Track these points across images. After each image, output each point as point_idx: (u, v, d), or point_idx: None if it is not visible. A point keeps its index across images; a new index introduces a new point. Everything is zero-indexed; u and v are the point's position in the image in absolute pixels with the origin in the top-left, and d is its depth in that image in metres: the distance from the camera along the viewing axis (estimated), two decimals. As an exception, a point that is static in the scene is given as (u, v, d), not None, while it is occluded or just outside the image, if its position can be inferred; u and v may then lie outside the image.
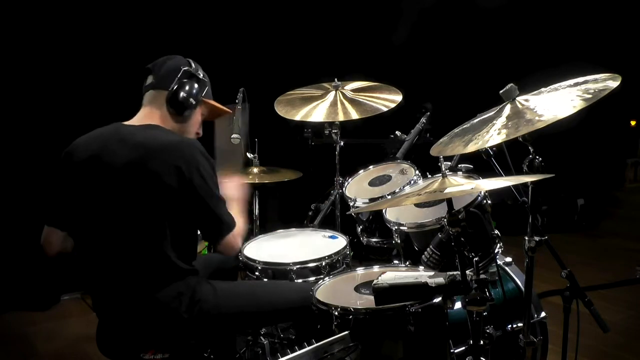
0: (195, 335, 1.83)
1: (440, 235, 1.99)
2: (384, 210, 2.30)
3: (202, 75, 1.99)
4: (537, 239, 1.83)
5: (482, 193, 2.07)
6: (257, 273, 2.21)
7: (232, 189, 2.10)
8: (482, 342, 1.70)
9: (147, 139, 1.80)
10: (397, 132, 3.08)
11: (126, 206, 1.77)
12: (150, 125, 1.88)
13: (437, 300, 1.69)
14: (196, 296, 1.82)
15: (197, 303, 1.82)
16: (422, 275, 1.70)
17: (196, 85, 1.94)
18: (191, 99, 1.92)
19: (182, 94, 1.90)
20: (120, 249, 1.79)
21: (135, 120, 1.91)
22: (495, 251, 2.08)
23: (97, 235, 1.82)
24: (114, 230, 1.79)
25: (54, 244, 1.94)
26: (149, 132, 1.84)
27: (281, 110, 2.68)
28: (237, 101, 2.67)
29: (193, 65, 1.97)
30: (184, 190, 1.76)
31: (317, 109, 2.66)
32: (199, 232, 1.94)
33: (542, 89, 1.75)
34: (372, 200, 2.39)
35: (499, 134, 1.60)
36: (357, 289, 1.90)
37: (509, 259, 2.29)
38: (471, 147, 1.65)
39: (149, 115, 1.91)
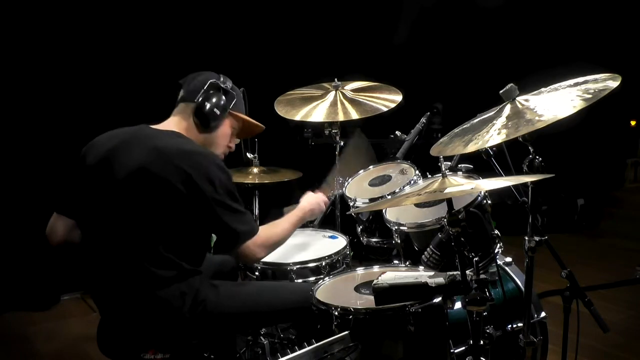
0: (198, 335, 1.84)
1: (440, 235, 1.99)
2: (384, 210, 2.30)
3: (230, 87, 1.99)
4: (537, 239, 1.83)
5: (482, 193, 2.07)
6: (257, 273, 2.21)
7: (309, 200, 2.24)
8: (482, 342, 1.70)
9: (165, 145, 1.81)
10: (397, 132, 3.08)
11: (134, 206, 1.77)
12: (173, 132, 1.89)
13: (437, 300, 1.69)
14: (199, 296, 1.82)
15: (200, 303, 1.82)
16: (422, 275, 1.71)
17: (223, 97, 1.95)
18: (215, 110, 1.93)
19: (207, 105, 1.91)
20: (125, 248, 1.79)
21: (161, 126, 1.93)
22: (495, 251, 2.08)
23: (103, 234, 1.82)
24: (120, 229, 1.79)
25: (59, 233, 1.94)
26: (169, 138, 1.85)
27: (281, 110, 2.68)
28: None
29: (222, 78, 1.99)
30: (192, 197, 1.76)
31: (317, 109, 2.66)
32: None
33: (542, 89, 1.75)
34: (372, 200, 2.39)
35: (499, 134, 1.60)
36: (357, 289, 1.90)
37: (509, 259, 2.29)
38: (471, 147, 1.65)
39: (175, 124, 1.93)
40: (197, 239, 1.88)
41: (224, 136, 2.01)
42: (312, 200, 2.25)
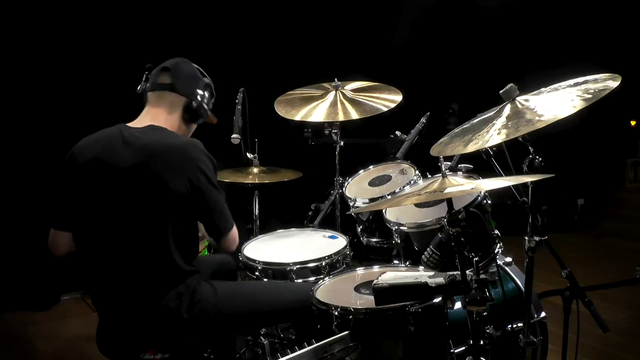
0: (195, 335, 1.83)
1: (440, 235, 1.99)
2: (384, 210, 2.30)
3: (212, 85, 2.08)
4: (537, 239, 1.83)
5: (482, 193, 2.07)
6: (257, 273, 2.21)
7: None
8: (482, 342, 1.70)
9: (152, 142, 1.80)
10: (397, 132, 3.08)
11: (130, 207, 1.77)
12: (155, 127, 1.88)
13: (437, 300, 1.69)
14: (196, 296, 1.82)
15: (197, 303, 1.82)
16: (422, 275, 1.70)
17: (212, 99, 2.05)
18: (207, 111, 2.03)
19: (203, 104, 2.00)
20: (122, 249, 1.79)
21: (140, 122, 1.91)
22: (495, 251, 2.08)
23: (100, 236, 1.82)
24: (117, 231, 1.79)
25: (61, 246, 1.94)
26: (154, 134, 1.84)
27: (281, 110, 2.68)
28: (237, 101, 2.67)
29: (206, 76, 2.05)
30: (188, 192, 1.77)
31: (317, 109, 2.66)
32: (199, 233, 1.94)
33: (542, 89, 1.75)
34: (372, 200, 2.39)
35: (499, 134, 1.60)
36: (357, 289, 1.90)
37: (509, 259, 2.29)
38: (471, 147, 1.65)
39: (155, 115, 1.92)
40: (191, 235, 1.87)
41: (194, 128, 2.09)
42: None
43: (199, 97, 1.97)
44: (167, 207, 1.76)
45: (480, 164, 2.09)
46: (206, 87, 2.02)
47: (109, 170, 1.78)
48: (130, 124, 1.90)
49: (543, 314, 2.17)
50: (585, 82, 1.66)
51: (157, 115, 1.91)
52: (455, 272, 1.64)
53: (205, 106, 2.01)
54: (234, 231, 1.94)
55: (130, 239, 1.78)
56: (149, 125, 1.88)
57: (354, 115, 2.60)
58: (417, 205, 2.26)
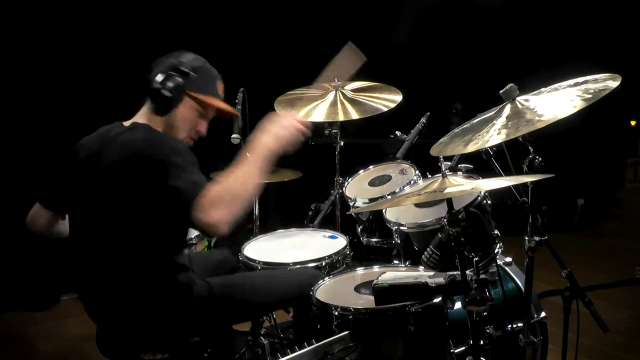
0: (193, 332, 1.83)
1: (440, 235, 1.99)
2: (384, 210, 2.30)
3: (190, 68, 1.87)
4: (537, 239, 1.83)
5: (482, 193, 2.07)
6: (257, 273, 2.21)
7: (279, 123, 1.82)
8: (482, 342, 1.70)
9: (127, 139, 1.78)
10: (397, 132, 3.08)
11: (113, 206, 1.76)
12: (136, 124, 1.86)
13: (437, 300, 1.69)
14: (192, 294, 1.81)
15: (192, 300, 1.81)
16: (422, 275, 1.70)
17: (178, 79, 1.83)
18: (165, 92, 1.80)
19: (159, 88, 1.80)
20: (110, 249, 1.78)
21: (130, 120, 1.91)
22: (495, 251, 2.08)
23: (89, 236, 1.82)
24: (105, 230, 1.78)
25: (38, 222, 1.98)
26: (132, 132, 1.82)
27: (281, 110, 2.68)
28: (237, 101, 2.67)
29: (184, 59, 1.88)
30: (156, 187, 1.65)
31: (317, 109, 2.66)
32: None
33: (542, 89, 1.75)
34: (372, 200, 2.39)
35: (499, 134, 1.60)
36: (357, 289, 1.90)
37: (509, 259, 2.29)
38: (471, 147, 1.65)
39: (141, 114, 1.91)
40: (175, 230, 1.81)
41: (184, 120, 1.89)
42: (276, 125, 1.81)
43: (160, 83, 1.80)
44: (142, 203, 1.71)
45: (480, 164, 2.09)
46: (170, 68, 1.82)
47: (96, 168, 1.79)
48: (125, 122, 1.90)
49: (543, 314, 2.17)
50: (585, 82, 1.66)
51: (141, 113, 1.91)
52: (455, 272, 1.64)
53: (166, 91, 1.80)
54: (208, 194, 1.56)
55: (117, 238, 1.76)
56: (133, 122, 1.88)
57: (354, 115, 2.60)
58: (417, 205, 2.26)
